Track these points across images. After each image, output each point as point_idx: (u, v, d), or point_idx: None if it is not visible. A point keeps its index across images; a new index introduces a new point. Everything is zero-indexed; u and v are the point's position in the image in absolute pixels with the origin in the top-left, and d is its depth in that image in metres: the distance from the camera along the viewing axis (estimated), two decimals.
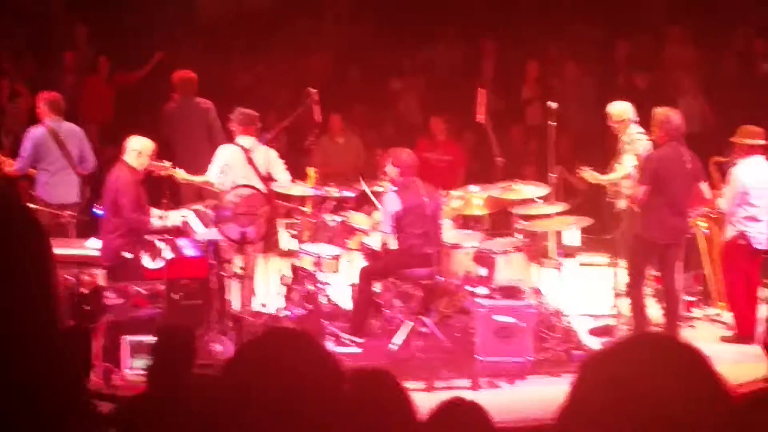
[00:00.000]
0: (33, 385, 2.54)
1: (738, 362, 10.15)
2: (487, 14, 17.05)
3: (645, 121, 11.50)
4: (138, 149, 11.21)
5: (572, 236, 15.08)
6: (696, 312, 12.42)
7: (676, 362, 2.37)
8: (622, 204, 11.91)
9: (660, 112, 11.01)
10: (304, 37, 16.63)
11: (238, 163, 11.67)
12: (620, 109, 12.00)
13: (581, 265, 14.62)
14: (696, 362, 2.40)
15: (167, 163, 11.67)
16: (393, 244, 11.19)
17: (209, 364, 10.22)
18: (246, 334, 10.24)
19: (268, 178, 11.83)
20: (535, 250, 11.77)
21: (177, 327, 7.40)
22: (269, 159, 11.82)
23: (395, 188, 11.18)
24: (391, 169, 11.20)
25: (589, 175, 12.00)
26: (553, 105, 13.27)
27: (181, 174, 11.76)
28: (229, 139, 11.85)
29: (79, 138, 12.63)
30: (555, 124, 13.04)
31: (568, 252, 14.86)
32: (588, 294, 12.85)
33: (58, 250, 11.38)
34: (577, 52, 16.49)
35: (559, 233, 14.61)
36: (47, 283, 2.60)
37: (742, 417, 2.52)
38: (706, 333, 11.72)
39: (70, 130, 12.59)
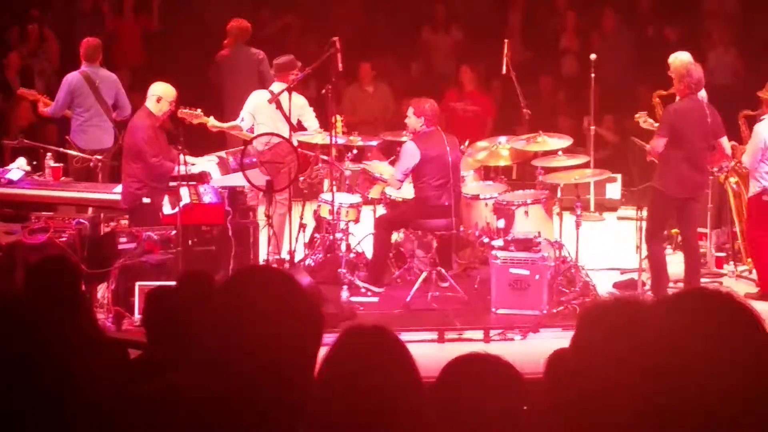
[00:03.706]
0: None
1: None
2: None
3: None
4: (158, 94, 11.25)
5: (613, 190, 15.06)
6: (726, 268, 12.27)
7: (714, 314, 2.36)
8: None
9: (680, 64, 10.84)
10: None
11: (267, 109, 11.70)
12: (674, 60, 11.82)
13: (619, 219, 14.64)
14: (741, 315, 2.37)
15: (198, 111, 11.73)
16: (408, 193, 11.17)
17: None
18: None
19: (298, 126, 11.86)
20: (557, 202, 11.69)
21: (195, 272, 7.28)
22: (298, 105, 11.84)
23: (414, 138, 11.14)
24: (412, 120, 11.14)
25: (644, 120, 11.78)
26: (593, 57, 13.22)
27: (211, 121, 11.82)
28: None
29: (114, 85, 12.70)
30: (594, 75, 13.00)
31: (609, 206, 14.87)
32: (617, 248, 12.84)
33: (84, 194, 11.64)
34: (610, 3, 16.29)
35: (602, 186, 14.61)
36: None
37: None
38: (734, 290, 11.56)
39: (105, 76, 12.66)
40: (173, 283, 7.81)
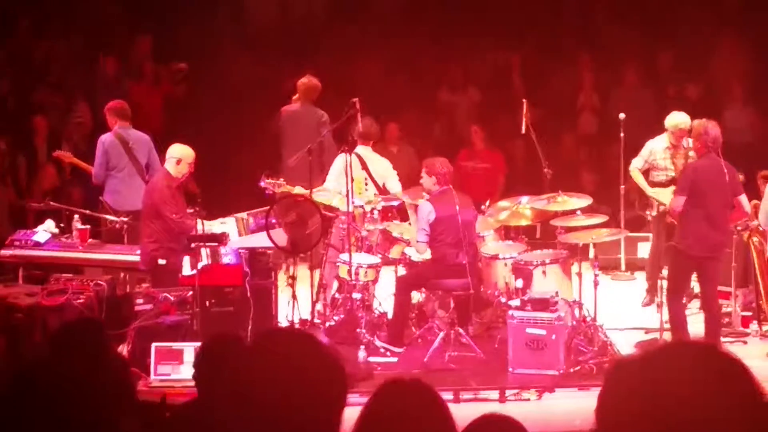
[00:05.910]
0: None
1: None
2: (529, 24, 17.05)
3: None
4: (177, 157, 11.34)
5: (644, 249, 14.96)
6: (751, 327, 12.15)
7: (707, 368, 2.35)
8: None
9: (698, 123, 10.85)
10: (352, 44, 16.62)
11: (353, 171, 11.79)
12: (671, 121, 12.02)
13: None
14: (729, 368, 2.37)
15: (281, 180, 11.74)
16: (427, 254, 11.19)
17: None
18: None
19: (384, 189, 12.08)
20: (586, 261, 11.68)
21: (226, 334, 7.28)
22: (383, 168, 12.10)
23: (429, 198, 11.18)
24: (426, 180, 11.21)
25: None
26: (622, 116, 13.21)
27: (297, 189, 11.75)
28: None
29: (147, 145, 12.75)
30: (623, 135, 12.99)
31: (641, 265, 14.78)
32: (644, 307, 12.81)
33: (109, 256, 11.75)
34: (628, 62, 16.29)
35: (633, 245, 14.54)
36: None
37: None
38: (758, 349, 11.46)
39: (138, 137, 12.70)
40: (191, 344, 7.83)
